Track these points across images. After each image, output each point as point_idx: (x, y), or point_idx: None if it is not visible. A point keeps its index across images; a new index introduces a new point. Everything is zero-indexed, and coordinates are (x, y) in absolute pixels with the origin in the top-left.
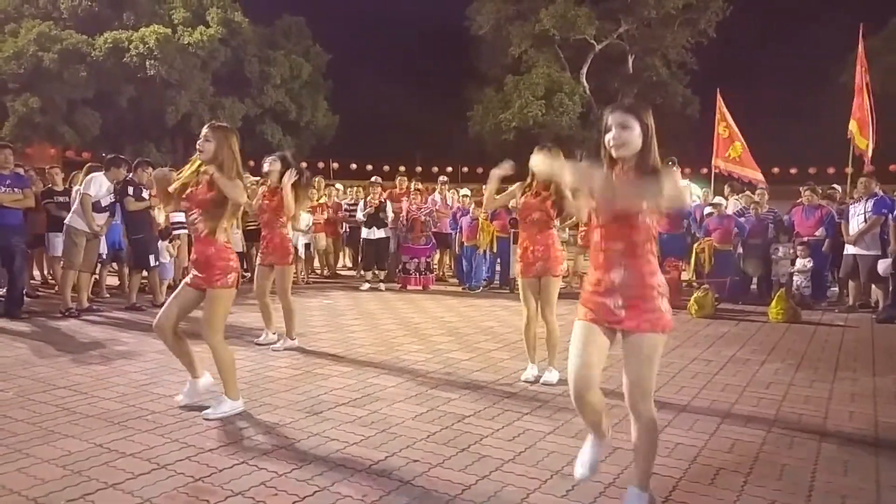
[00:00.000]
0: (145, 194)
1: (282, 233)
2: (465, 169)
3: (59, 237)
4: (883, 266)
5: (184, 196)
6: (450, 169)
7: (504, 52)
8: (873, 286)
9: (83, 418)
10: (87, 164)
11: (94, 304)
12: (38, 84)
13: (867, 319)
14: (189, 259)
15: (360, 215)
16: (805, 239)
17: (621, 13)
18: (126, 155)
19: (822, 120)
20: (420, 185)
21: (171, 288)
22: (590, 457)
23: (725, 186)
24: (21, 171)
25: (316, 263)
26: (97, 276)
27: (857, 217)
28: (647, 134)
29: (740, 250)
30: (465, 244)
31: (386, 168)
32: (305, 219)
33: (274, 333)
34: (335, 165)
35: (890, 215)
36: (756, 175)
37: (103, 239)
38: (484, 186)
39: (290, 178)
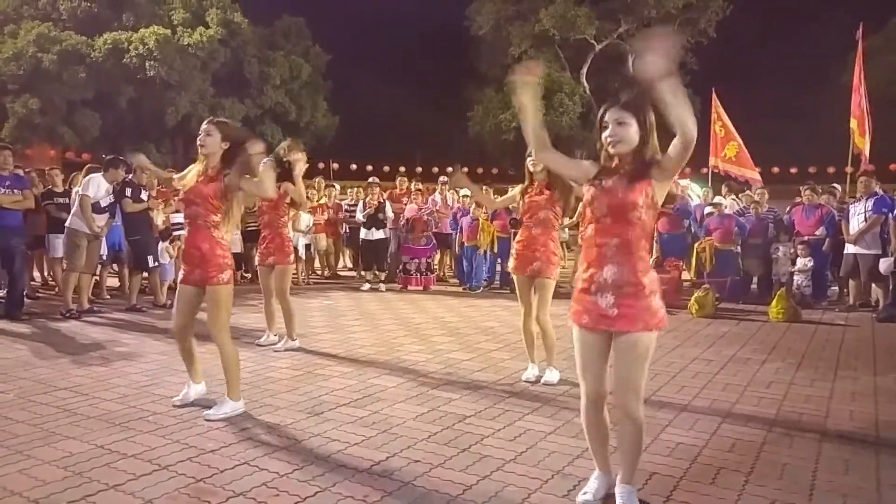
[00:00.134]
0: (143, 195)
1: (283, 233)
2: (466, 169)
3: (60, 238)
4: (885, 265)
5: (187, 190)
6: (450, 169)
7: (504, 52)
8: (874, 285)
9: (84, 419)
10: (87, 166)
11: (94, 306)
12: (37, 85)
13: (868, 318)
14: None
15: (359, 216)
16: (805, 238)
17: (621, 13)
18: (125, 156)
19: (822, 119)
20: (420, 186)
21: (171, 289)
22: (594, 489)
23: (723, 186)
24: (21, 172)
25: (316, 264)
26: (98, 278)
27: (858, 216)
28: (644, 129)
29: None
30: (466, 244)
31: (386, 168)
32: (306, 219)
33: (275, 335)
34: (335, 166)
35: (890, 214)
36: (753, 175)
37: (104, 240)
38: (484, 187)
39: (266, 169)
